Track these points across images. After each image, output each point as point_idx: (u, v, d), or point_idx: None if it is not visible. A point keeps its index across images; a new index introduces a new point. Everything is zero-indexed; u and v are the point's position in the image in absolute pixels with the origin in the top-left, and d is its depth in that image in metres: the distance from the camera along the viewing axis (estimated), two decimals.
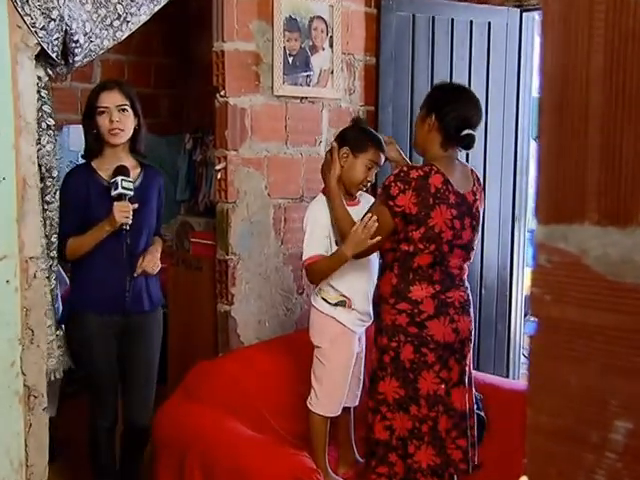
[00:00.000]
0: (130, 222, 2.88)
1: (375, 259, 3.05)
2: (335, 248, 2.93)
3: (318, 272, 2.92)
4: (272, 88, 3.54)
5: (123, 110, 2.94)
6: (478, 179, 2.88)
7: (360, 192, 3.06)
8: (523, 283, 4.53)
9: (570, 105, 0.65)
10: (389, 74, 3.92)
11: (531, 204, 4.51)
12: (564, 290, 0.64)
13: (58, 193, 2.79)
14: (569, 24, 0.65)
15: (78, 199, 2.92)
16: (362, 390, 3.18)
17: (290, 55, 3.57)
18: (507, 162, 4.33)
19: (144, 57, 5.40)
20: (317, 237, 2.93)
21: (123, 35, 2.85)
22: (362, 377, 3.17)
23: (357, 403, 3.19)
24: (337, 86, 3.78)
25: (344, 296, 2.98)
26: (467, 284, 2.82)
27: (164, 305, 3.18)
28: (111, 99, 2.93)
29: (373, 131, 3.13)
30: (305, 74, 3.64)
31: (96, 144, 2.99)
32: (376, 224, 2.67)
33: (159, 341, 3.18)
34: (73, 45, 2.64)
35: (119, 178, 2.88)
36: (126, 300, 2.99)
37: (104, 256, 2.95)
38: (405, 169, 2.67)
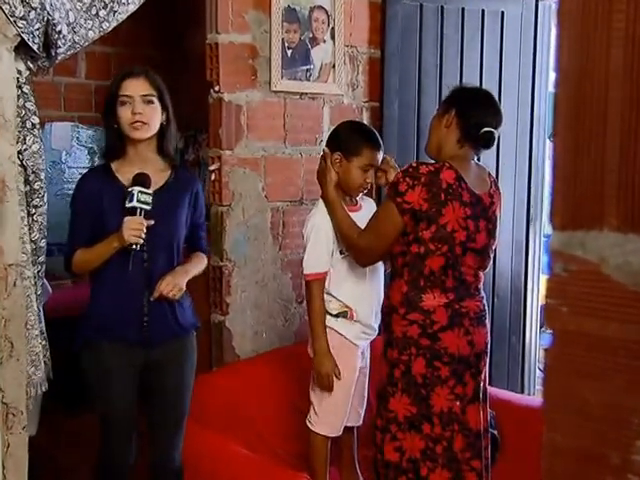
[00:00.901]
0: (141, 242, 2.67)
1: (381, 267, 3.05)
2: (338, 257, 2.94)
3: (313, 307, 2.95)
4: (269, 83, 3.54)
5: (149, 102, 2.74)
6: (496, 183, 2.89)
7: (362, 197, 3.07)
8: (539, 291, 4.53)
9: (588, 102, 0.65)
10: (395, 68, 3.93)
11: (547, 206, 4.51)
12: (582, 301, 0.64)
13: (46, 196, 2.75)
14: (587, 16, 0.65)
15: (91, 206, 2.75)
16: (367, 408, 3.17)
17: (289, 48, 3.57)
18: (521, 161, 4.33)
19: (132, 49, 5.40)
20: (320, 248, 2.93)
21: (110, 26, 2.84)
22: (366, 394, 3.16)
23: (361, 422, 3.18)
24: (339, 81, 3.78)
25: (347, 306, 2.98)
26: (483, 293, 2.82)
27: (196, 327, 2.99)
28: (135, 87, 2.73)
29: (367, 128, 3.12)
30: (305, 68, 3.65)
31: (117, 142, 2.79)
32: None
33: (192, 372, 2.93)
34: (56, 36, 2.63)
35: (136, 189, 2.68)
36: (144, 328, 2.76)
37: (117, 275, 2.73)
38: (414, 164, 2.68)
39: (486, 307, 2.82)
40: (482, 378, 2.78)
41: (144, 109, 2.72)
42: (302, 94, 3.69)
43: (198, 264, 2.96)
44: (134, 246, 2.66)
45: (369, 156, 2.92)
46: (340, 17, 3.74)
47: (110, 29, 2.85)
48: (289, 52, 3.58)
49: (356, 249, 2.84)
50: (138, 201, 2.66)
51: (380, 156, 2.96)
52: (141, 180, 2.71)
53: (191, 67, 4.78)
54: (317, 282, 2.94)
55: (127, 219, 2.65)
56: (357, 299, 2.98)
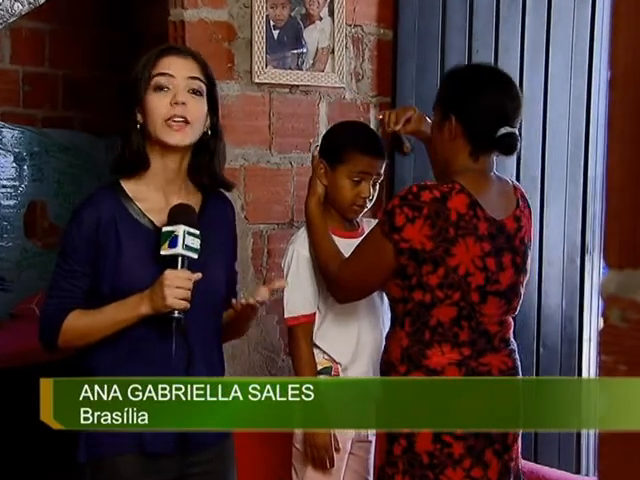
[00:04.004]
0: (188, 307, 2.27)
1: (382, 307, 3.03)
2: (323, 295, 2.93)
3: (298, 361, 2.95)
4: (251, 73, 3.56)
5: (196, 91, 2.36)
6: (523, 197, 2.81)
7: (365, 219, 3.05)
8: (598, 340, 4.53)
9: None
10: (411, 53, 3.95)
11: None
12: None
13: None
14: None
15: (99, 249, 2.35)
16: None
17: (275, 28, 3.59)
18: (574, 174, 4.34)
19: (73, 27, 5.42)
20: (304, 283, 2.91)
21: None
22: (370, 477, 3.12)
23: None
24: (340, 70, 3.80)
25: (332, 360, 2.96)
26: (514, 345, 2.78)
27: None
28: (180, 66, 2.37)
29: (361, 127, 3.11)
30: (296, 53, 3.67)
31: (139, 149, 2.38)
32: None
33: None
34: None
35: (181, 229, 2.28)
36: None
37: (142, 356, 2.35)
38: (415, 190, 2.62)
39: (518, 363, 2.78)
40: (512, 456, 2.72)
41: (189, 100, 2.34)
42: (292, 87, 3.71)
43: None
44: (176, 313, 2.28)
45: (359, 162, 2.87)
46: None
47: (44, 1, 2.87)
48: (276, 33, 3.60)
49: (335, 280, 2.80)
50: (186, 247, 2.28)
51: (379, 163, 2.92)
52: (184, 214, 2.34)
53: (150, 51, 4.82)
54: (302, 327, 2.91)
55: (169, 273, 2.25)
56: (346, 351, 2.94)
